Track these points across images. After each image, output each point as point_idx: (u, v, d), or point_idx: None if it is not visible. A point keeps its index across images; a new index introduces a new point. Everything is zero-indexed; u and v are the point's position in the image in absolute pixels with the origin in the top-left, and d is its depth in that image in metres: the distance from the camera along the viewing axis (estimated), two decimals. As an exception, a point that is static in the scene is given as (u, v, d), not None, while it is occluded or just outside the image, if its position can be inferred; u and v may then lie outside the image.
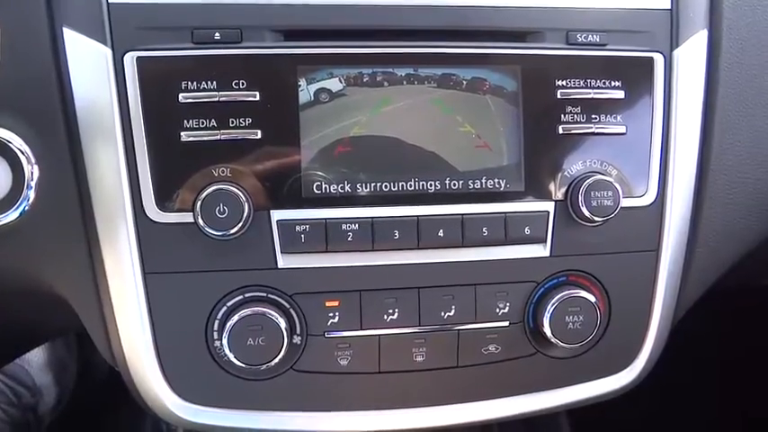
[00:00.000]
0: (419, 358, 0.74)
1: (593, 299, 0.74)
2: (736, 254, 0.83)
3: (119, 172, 0.68)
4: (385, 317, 0.72)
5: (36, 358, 1.40)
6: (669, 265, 0.77)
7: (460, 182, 0.72)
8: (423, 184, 0.72)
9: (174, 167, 0.68)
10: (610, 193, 0.73)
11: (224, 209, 0.67)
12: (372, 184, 0.71)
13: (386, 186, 0.71)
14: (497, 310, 0.74)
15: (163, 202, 0.68)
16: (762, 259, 0.87)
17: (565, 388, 0.79)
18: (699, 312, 0.85)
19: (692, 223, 0.78)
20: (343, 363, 0.72)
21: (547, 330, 0.74)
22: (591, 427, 1.23)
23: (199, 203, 0.67)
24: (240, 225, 0.67)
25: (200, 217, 0.67)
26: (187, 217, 0.68)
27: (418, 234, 0.71)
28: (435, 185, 0.72)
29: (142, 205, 0.68)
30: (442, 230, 0.72)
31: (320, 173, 0.70)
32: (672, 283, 0.78)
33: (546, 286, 0.75)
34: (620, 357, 0.79)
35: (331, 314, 0.71)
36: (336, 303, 0.71)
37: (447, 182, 0.72)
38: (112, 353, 0.71)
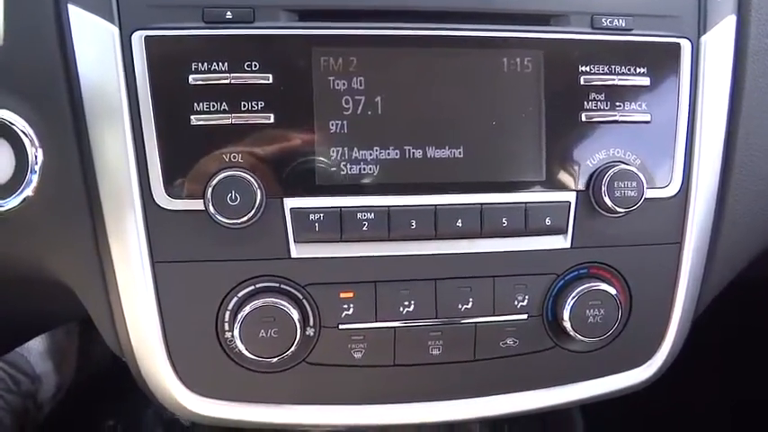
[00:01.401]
0: (435, 351, 0.72)
1: (614, 292, 0.72)
2: (760, 246, 0.81)
3: (126, 156, 0.65)
4: (401, 309, 0.70)
5: (36, 346, 1.38)
6: (692, 257, 0.75)
7: (480, 170, 0.70)
8: (441, 173, 0.69)
9: (184, 152, 0.65)
10: (634, 184, 0.70)
11: (236, 196, 0.64)
12: (389, 172, 0.68)
13: (403, 174, 0.68)
14: (516, 304, 0.72)
15: (172, 188, 0.65)
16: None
17: (583, 382, 0.77)
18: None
19: (716, 215, 0.76)
20: (357, 355, 0.70)
21: (566, 324, 0.72)
22: (603, 421, 1.21)
23: (210, 190, 0.64)
24: (252, 213, 0.65)
25: (210, 204, 0.64)
26: (197, 204, 0.65)
27: (435, 223, 0.69)
28: (454, 174, 0.69)
29: (150, 192, 0.65)
30: (460, 220, 0.69)
31: (335, 160, 0.67)
32: (694, 276, 0.76)
33: (566, 278, 0.73)
34: (640, 352, 0.77)
35: (345, 306, 0.69)
36: (351, 295, 0.69)
37: (466, 170, 0.69)
38: (119, 343, 0.69)
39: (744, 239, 0.79)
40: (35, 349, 1.38)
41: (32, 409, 1.37)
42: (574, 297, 0.71)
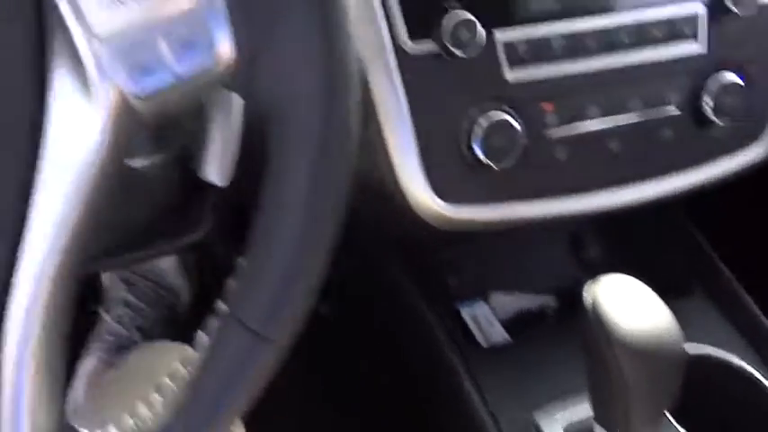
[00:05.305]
0: (613, 146, 0.91)
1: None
2: None
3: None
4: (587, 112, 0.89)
5: (169, 262, 1.51)
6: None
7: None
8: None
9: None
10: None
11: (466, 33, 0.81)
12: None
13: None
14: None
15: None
16: None
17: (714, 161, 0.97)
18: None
19: None
20: (561, 156, 0.89)
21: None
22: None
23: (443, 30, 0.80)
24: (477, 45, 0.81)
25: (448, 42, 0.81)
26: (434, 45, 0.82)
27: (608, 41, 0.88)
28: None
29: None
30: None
31: None
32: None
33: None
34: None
35: (548, 115, 0.88)
36: (551, 107, 0.88)
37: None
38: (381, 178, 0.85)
39: None
40: (169, 265, 1.52)
41: (173, 319, 1.52)
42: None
